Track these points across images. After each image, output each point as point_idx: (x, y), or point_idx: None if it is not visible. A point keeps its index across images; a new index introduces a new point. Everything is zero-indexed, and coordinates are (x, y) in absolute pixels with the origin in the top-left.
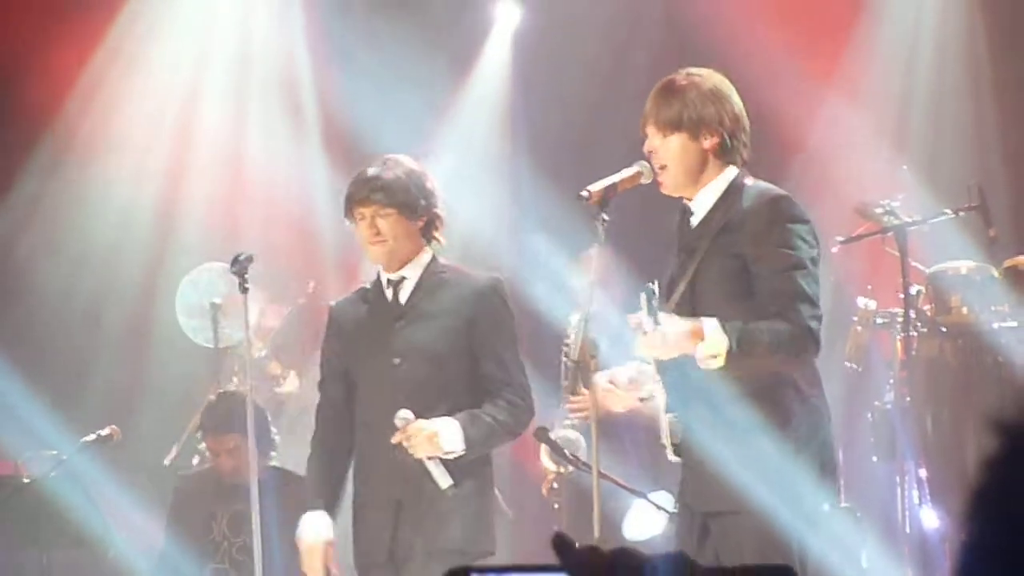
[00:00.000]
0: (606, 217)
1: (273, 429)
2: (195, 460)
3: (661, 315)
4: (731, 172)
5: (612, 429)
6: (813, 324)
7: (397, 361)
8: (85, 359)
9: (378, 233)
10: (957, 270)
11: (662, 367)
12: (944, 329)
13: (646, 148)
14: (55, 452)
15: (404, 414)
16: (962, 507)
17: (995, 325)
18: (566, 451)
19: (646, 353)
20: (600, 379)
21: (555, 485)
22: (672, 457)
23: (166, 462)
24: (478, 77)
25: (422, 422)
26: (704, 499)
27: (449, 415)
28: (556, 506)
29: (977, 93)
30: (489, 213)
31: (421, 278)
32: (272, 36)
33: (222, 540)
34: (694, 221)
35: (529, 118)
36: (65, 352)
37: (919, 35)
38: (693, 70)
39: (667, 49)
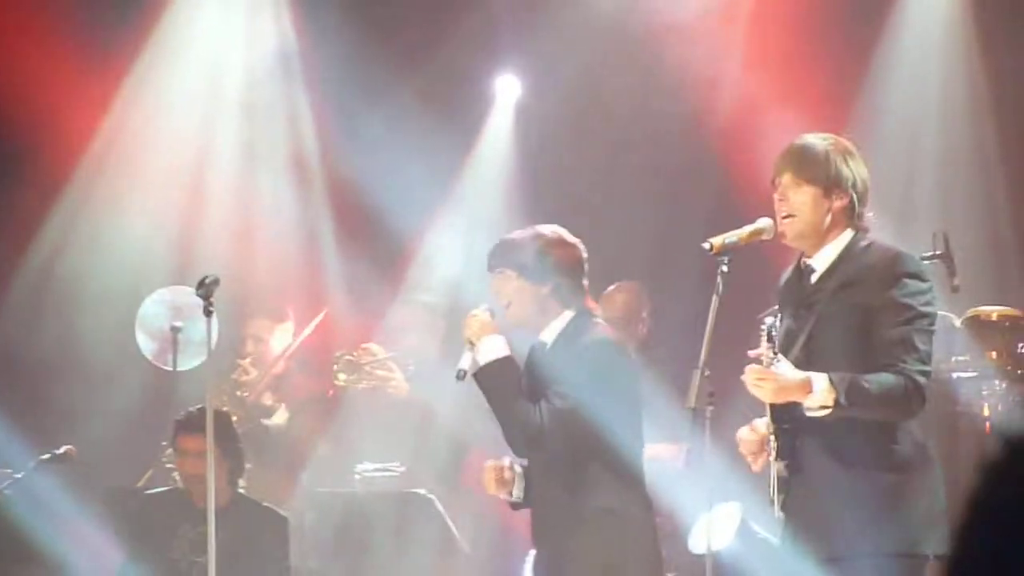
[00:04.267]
0: (725, 268)
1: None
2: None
3: (781, 358)
4: (849, 234)
5: None
6: (920, 379)
7: None
8: (51, 382)
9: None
10: None
11: (777, 410)
12: None
13: (777, 196)
14: (9, 470)
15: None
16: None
17: (956, 375)
18: None
19: (758, 391)
20: (743, 429)
21: None
22: (778, 513)
23: (139, 484)
24: (482, 150)
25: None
26: (818, 545)
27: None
28: None
29: (940, 150)
30: None
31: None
32: (278, 107)
33: (181, 559)
34: (814, 278)
35: (531, 190)
36: (33, 375)
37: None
38: (822, 134)
39: (665, 118)
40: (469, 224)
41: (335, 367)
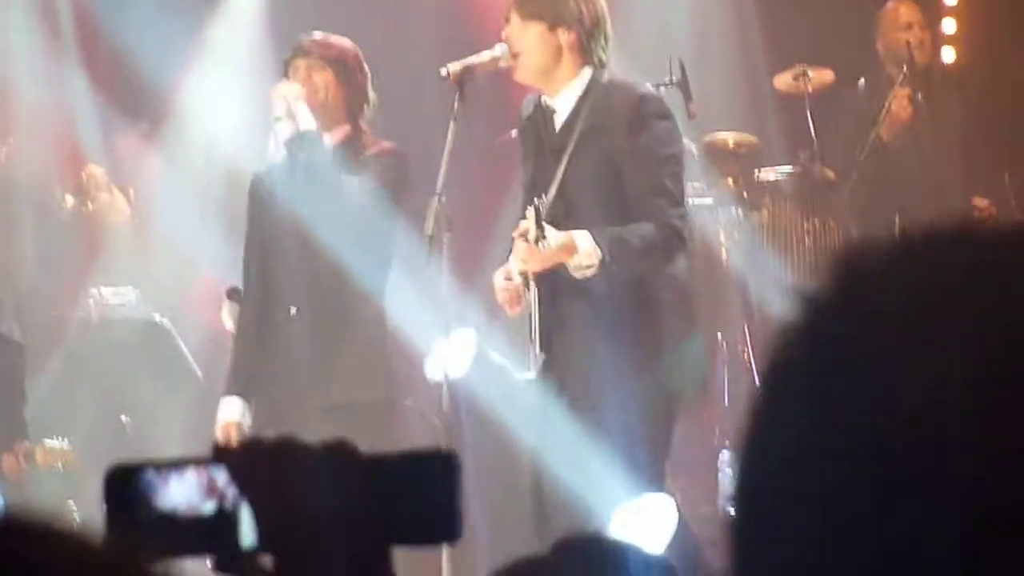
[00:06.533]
0: (463, 95)
1: None
2: None
3: (547, 230)
4: (588, 72)
5: None
6: (677, 223)
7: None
8: None
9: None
10: None
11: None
12: None
13: (504, 34)
14: None
15: None
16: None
17: (692, 202)
18: None
19: (521, 264)
20: (498, 277)
21: None
22: (538, 352)
23: None
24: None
25: None
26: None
27: None
28: None
29: None
30: (251, 131)
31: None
32: None
33: None
34: (558, 121)
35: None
36: None
37: None
38: None
39: None
40: (221, 71)
41: (60, 190)
